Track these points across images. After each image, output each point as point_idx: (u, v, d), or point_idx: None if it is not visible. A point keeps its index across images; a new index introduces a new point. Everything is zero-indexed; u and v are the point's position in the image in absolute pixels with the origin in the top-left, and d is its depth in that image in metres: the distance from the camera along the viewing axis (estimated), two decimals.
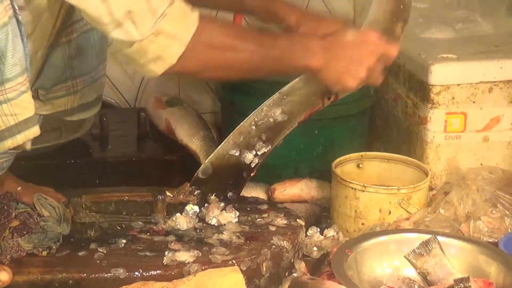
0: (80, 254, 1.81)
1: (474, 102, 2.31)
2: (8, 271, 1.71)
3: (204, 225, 1.96)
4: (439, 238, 1.86)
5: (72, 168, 2.29)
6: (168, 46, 1.60)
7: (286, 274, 1.89)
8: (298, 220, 2.01)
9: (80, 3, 1.56)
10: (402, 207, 2.09)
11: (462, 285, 1.69)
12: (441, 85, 2.29)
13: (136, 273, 1.75)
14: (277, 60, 1.75)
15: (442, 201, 2.13)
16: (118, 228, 1.95)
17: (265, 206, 2.08)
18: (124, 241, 1.87)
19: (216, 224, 1.96)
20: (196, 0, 2.00)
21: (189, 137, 2.42)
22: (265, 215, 2.03)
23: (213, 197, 2.02)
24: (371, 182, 2.15)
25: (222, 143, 2.01)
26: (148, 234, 1.92)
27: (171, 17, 1.59)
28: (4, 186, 1.92)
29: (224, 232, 1.92)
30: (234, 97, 2.45)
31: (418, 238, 1.87)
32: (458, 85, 2.29)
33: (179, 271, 1.76)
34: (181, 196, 2.00)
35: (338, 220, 2.16)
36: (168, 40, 1.60)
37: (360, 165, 2.27)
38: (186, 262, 1.77)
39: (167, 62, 1.62)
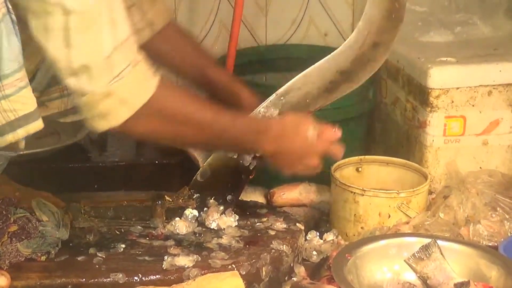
0: (79, 259, 1.81)
1: (473, 106, 2.31)
2: (7, 276, 1.71)
3: (204, 229, 1.96)
4: (439, 242, 1.85)
5: (71, 172, 2.29)
6: (116, 109, 1.59)
7: (286, 278, 1.89)
8: (297, 224, 2.01)
9: (44, 42, 1.54)
10: (402, 211, 2.09)
11: None
12: (440, 89, 2.29)
13: (135, 277, 1.74)
14: (226, 142, 1.81)
15: (442, 205, 2.13)
16: (117, 232, 1.94)
17: (264, 210, 2.08)
18: (123, 245, 1.87)
19: (215, 228, 1.96)
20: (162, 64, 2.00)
21: None
22: (265, 219, 2.02)
23: (212, 200, 2.01)
24: (370, 186, 2.15)
25: None
26: (147, 238, 1.92)
27: (127, 81, 1.57)
28: (3, 191, 1.91)
29: (223, 237, 1.92)
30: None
31: (418, 242, 1.87)
32: (457, 88, 2.29)
33: (179, 275, 1.75)
34: (180, 200, 1.99)
35: (337, 224, 2.15)
36: (117, 103, 1.58)
37: (359, 169, 2.27)
38: (186, 266, 1.77)
39: (111, 123, 1.60)
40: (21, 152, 1.71)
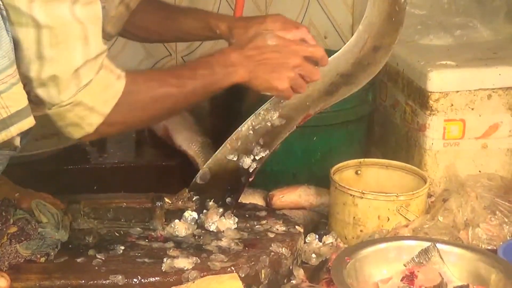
0: (78, 260, 1.81)
1: (472, 109, 2.31)
2: (6, 278, 1.70)
3: (203, 231, 1.96)
4: (438, 245, 1.86)
5: (70, 174, 2.29)
6: (86, 117, 1.62)
7: (285, 281, 1.89)
8: (296, 227, 2.01)
9: (18, 50, 1.55)
10: (401, 214, 2.09)
11: None
12: (439, 92, 2.29)
13: (135, 279, 1.74)
14: (202, 90, 1.80)
15: (441, 208, 2.12)
16: (117, 234, 1.94)
17: (263, 213, 2.08)
18: (123, 247, 1.87)
19: (215, 231, 1.96)
20: (142, 35, 2.14)
21: (187, 143, 2.41)
22: (264, 221, 2.03)
23: (211, 203, 2.01)
24: (369, 188, 2.15)
25: (220, 149, 2.01)
26: (147, 240, 1.92)
27: (92, 89, 1.60)
28: (2, 192, 1.91)
29: (222, 239, 1.92)
30: (232, 101, 2.45)
31: (417, 245, 1.87)
32: (457, 92, 2.29)
33: (178, 278, 1.75)
34: (180, 202, 1.99)
35: (336, 227, 2.15)
36: (86, 111, 1.62)
37: (359, 172, 2.27)
38: (185, 269, 1.77)
39: (84, 131, 1.65)
40: (21, 154, 1.71)
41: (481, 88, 2.30)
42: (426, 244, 1.86)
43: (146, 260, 1.81)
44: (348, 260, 1.80)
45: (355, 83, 1.98)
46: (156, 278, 1.75)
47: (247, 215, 2.05)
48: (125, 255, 1.84)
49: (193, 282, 1.72)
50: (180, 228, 1.94)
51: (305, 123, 2.01)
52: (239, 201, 2.08)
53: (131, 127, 1.77)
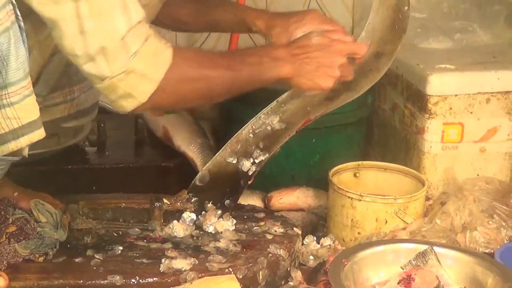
0: (76, 260, 1.81)
1: (471, 113, 2.31)
2: (5, 277, 1.71)
3: (201, 232, 1.96)
4: (436, 248, 1.86)
5: (69, 174, 2.29)
6: (139, 85, 1.62)
7: (283, 282, 1.89)
8: (294, 228, 2.01)
9: (57, 32, 1.56)
10: (399, 217, 2.09)
11: None
12: (438, 95, 2.29)
13: (133, 280, 1.75)
14: (248, 77, 1.79)
15: (439, 211, 2.13)
16: (115, 235, 1.95)
17: (262, 215, 2.09)
18: (121, 248, 1.87)
19: (213, 232, 1.96)
20: (173, 25, 2.10)
21: (186, 144, 2.42)
22: (262, 223, 2.03)
23: (210, 204, 2.02)
24: (368, 191, 2.15)
25: (220, 151, 2.02)
26: (145, 241, 1.92)
27: (143, 56, 1.60)
28: (1, 192, 1.91)
29: (221, 240, 1.92)
30: (232, 104, 2.44)
31: (415, 248, 1.87)
32: (456, 95, 2.30)
33: (176, 278, 1.76)
34: (178, 203, 2.00)
35: (334, 229, 2.16)
36: (139, 79, 1.61)
37: (357, 174, 2.28)
38: (183, 269, 1.77)
39: (138, 100, 1.64)
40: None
41: (480, 92, 2.31)
42: (423, 247, 1.86)
43: (144, 260, 1.82)
44: (345, 262, 1.81)
45: (356, 90, 1.99)
46: (154, 279, 1.75)
47: (245, 217, 2.06)
48: (124, 255, 1.85)
49: (191, 283, 1.73)
50: (179, 229, 1.95)
51: (305, 126, 2.02)
52: (237, 202, 2.09)
53: (181, 102, 1.73)
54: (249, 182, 2.03)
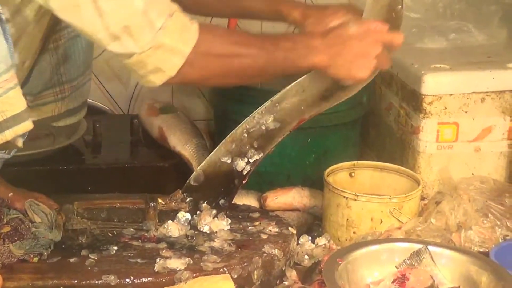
0: (71, 260, 1.81)
1: (466, 112, 2.31)
2: None
3: (196, 232, 1.96)
4: (430, 248, 1.86)
5: (64, 174, 2.29)
6: (168, 59, 1.61)
7: (277, 282, 1.89)
8: (289, 228, 2.01)
9: (75, 20, 1.56)
10: (394, 216, 2.09)
11: None
12: (433, 95, 2.29)
13: (127, 280, 1.75)
14: (281, 62, 1.75)
15: (434, 210, 2.13)
16: (110, 235, 1.95)
17: (257, 214, 2.09)
18: (116, 248, 1.87)
19: (207, 232, 1.96)
20: (197, 9, 2.03)
21: (181, 144, 2.42)
22: (257, 223, 2.03)
23: (205, 204, 2.02)
24: (363, 191, 2.15)
25: (214, 151, 2.01)
26: (140, 241, 1.92)
27: (170, 30, 1.59)
28: None
29: (215, 240, 1.92)
30: (227, 104, 2.45)
31: (410, 247, 1.87)
32: (451, 95, 2.30)
33: (170, 278, 1.76)
34: (173, 203, 2.00)
35: (329, 228, 2.16)
36: (168, 53, 1.60)
37: (353, 174, 2.28)
38: (177, 269, 1.77)
39: (167, 74, 1.63)
40: (15, 154, 1.72)
41: (474, 92, 2.31)
42: (418, 246, 1.86)
43: (139, 260, 1.82)
44: (340, 262, 1.80)
45: (350, 89, 1.98)
46: (149, 279, 1.75)
47: (240, 216, 2.06)
48: (118, 255, 1.85)
49: (185, 282, 1.72)
50: (173, 229, 1.95)
51: (300, 125, 2.02)
52: (232, 202, 2.09)
53: (210, 78, 1.71)
54: (244, 182, 2.03)
